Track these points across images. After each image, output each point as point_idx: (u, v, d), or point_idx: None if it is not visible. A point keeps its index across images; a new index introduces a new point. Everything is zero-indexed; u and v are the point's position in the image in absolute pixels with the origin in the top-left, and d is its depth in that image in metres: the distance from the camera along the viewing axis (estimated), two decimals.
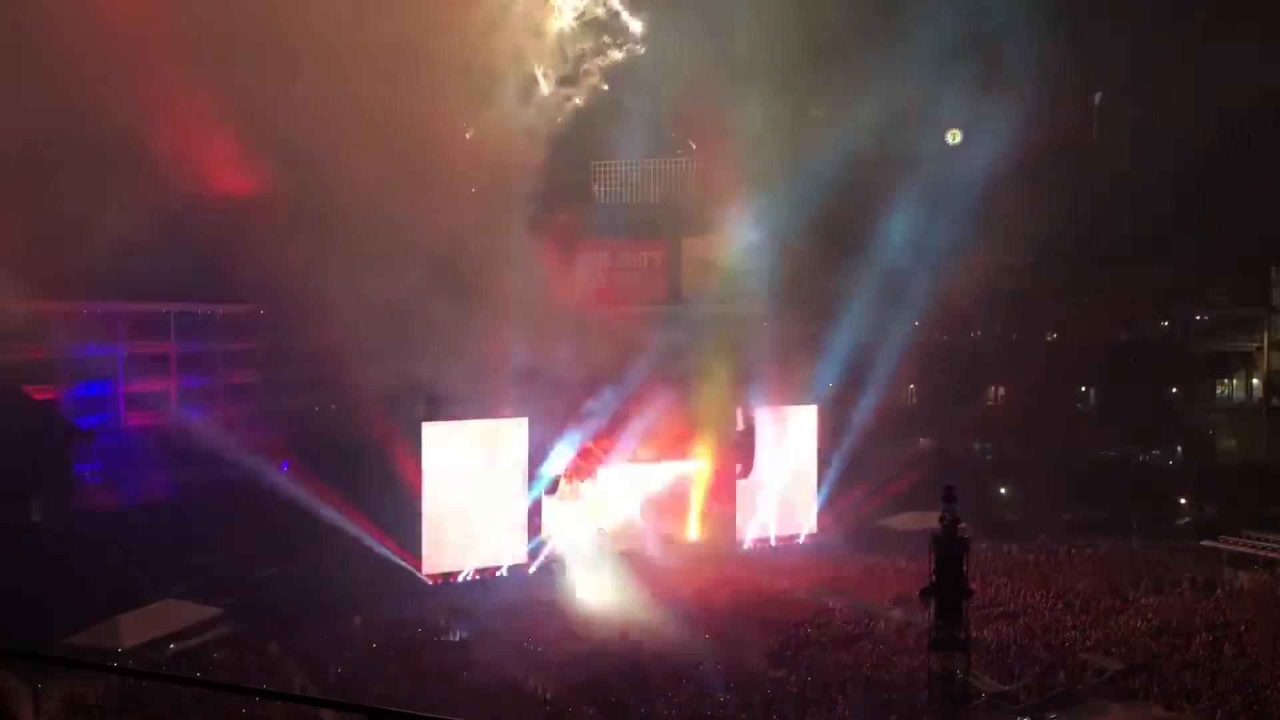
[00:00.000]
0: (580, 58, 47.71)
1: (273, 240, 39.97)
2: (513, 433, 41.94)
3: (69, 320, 50.67)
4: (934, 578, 29.06)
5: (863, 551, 43.74)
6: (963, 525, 28.80)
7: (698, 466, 46.73)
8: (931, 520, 29.23)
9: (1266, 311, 56.34)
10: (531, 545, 42.31)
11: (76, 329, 51.07)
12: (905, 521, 43.36)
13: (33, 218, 37.99)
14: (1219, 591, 38.26)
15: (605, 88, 48.17)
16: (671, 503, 46.49)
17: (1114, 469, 52.79)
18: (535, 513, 42.63)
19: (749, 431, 47.29)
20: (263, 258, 41.24)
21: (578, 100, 47.54)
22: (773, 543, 46.36)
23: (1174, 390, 56.84)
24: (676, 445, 46.60)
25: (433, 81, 41.92)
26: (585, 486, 45.22)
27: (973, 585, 29.80)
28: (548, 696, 28.39)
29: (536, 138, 46.13)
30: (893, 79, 48.09)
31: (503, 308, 41.38)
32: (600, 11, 47.47)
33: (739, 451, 47.07)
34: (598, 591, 38.91)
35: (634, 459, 45.72)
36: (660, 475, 46.28)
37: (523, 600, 37.92)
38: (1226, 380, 57.71)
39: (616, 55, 47.19)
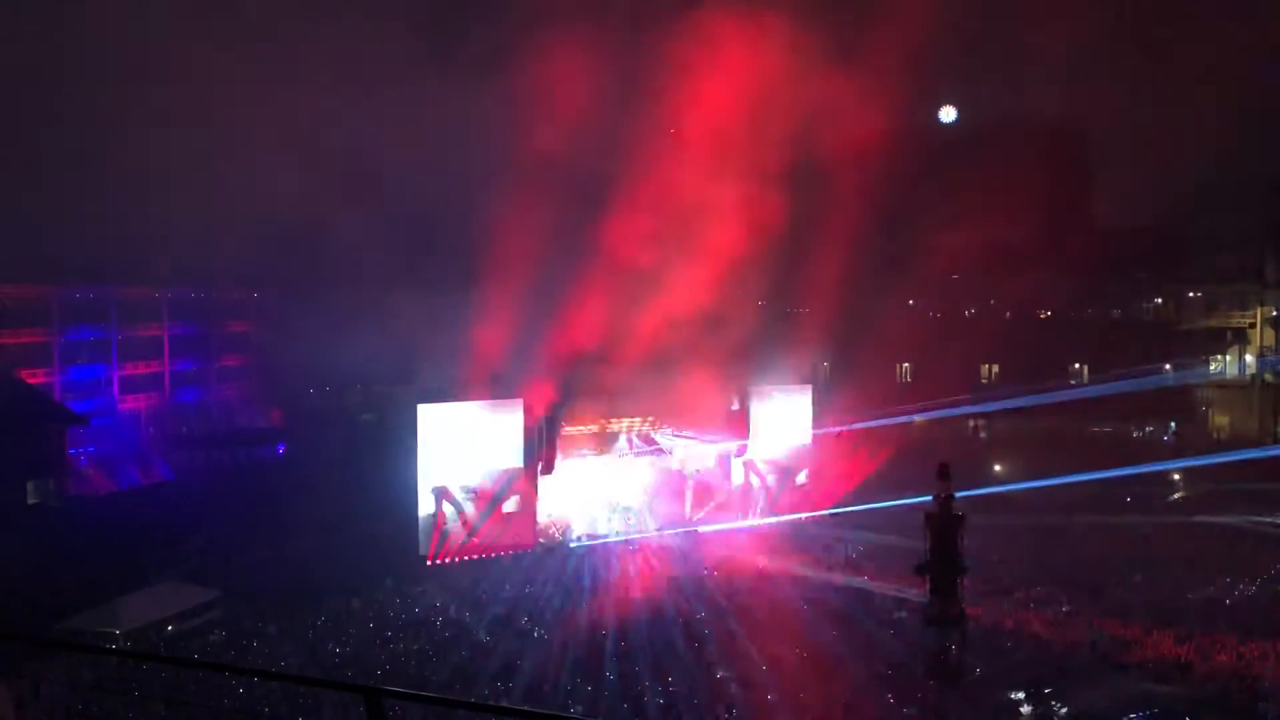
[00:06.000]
0: None
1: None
2: (509, 414, 41.91)
3: (62, 304, 50.65)
4: (929, 554, 29.27)
5: (858, 529, 43.91)
6: (957, 502, 28.98)
7: (695, 446, 46.85)
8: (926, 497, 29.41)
9: (1259, 287, 56.47)
10: (531, 526, 42.37)
11: (70, 313, 51.05)
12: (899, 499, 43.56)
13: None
14: (1212, 567, 38.46)
15: None
16: (668, 482, 46.64)
17: (1108, 445, 53.00)
18: (532, 493, 42.65)
19: (743, 411, 47.40)
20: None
21: None
22: (767, 521, 46.53)
23: (1167, 367, 57.05)
24: (674, 425, 46.73)
25: None
26: (582, 467, 45.26)
27: (967, 561, 30.00)
28: (545, 676, 28.51)
29: None
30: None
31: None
32: None
33: (733, 431, 47.20)
34: (595, 571, 39.08)
35: (631, 439, 45.85)
36: (658, 455, 46.42)
37: (521, 580, 38.03)
38: (1220, 356, 57.88)
39: None
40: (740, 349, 46.86)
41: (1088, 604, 34.31)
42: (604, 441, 45.76)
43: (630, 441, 45.83)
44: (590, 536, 43.55)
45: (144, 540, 35.93)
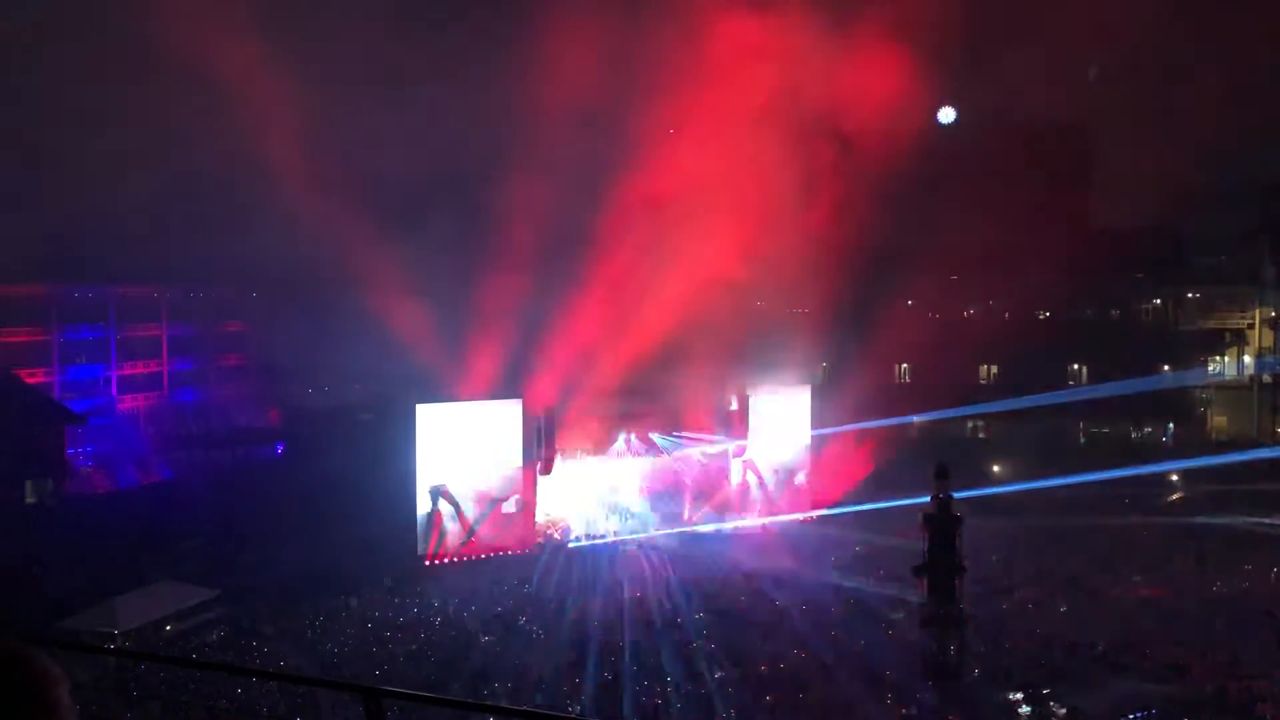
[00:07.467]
0: None
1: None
2: (508, 414, 41.89)
3: (61, 303, 50.66)
4: (926, 555, 29.28)
5: (856, 530, 43.91)
6: (955, 502, 28.99)
7: (694, 446, 46.85)
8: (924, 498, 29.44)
9: (1258, 288, 56.48)
10: (529, 526, 42.37)
11: (69, 312, 51.06)
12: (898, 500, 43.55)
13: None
14: (1210, 567, 38.51)
15: None
16: (667, 482, 46.64)
17: (1107, 445, 53.01)
18: (531, 493, 42.65)
19: (742, 411, 47.40)
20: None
21: None
22: (766, 523, 46.53)
23: (1165, 367, 57.04)
24: (673, 425, 46.75)
25: None
26: (581, 467, 45.25)
27: (965, 562, 30.00)
28: (543, 676, 28.54)
29: None
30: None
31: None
32: None
33: (732, 431, 47.20)
34: (594, 571, 39.08)
35: (630, 439, 45.85)
36: (657, 455, 46.40)
37: (520, 580, 38.04)
38: (1218, 357, 57.86)
39: None
40: (739, 349, 46.86)
41: (1087, 604, 34.35)
42: (603, 441, 45.75)
43: (629, 441, 45.83)
44: (589, 536, 43.55)
45: (142, 540, 35.93)
